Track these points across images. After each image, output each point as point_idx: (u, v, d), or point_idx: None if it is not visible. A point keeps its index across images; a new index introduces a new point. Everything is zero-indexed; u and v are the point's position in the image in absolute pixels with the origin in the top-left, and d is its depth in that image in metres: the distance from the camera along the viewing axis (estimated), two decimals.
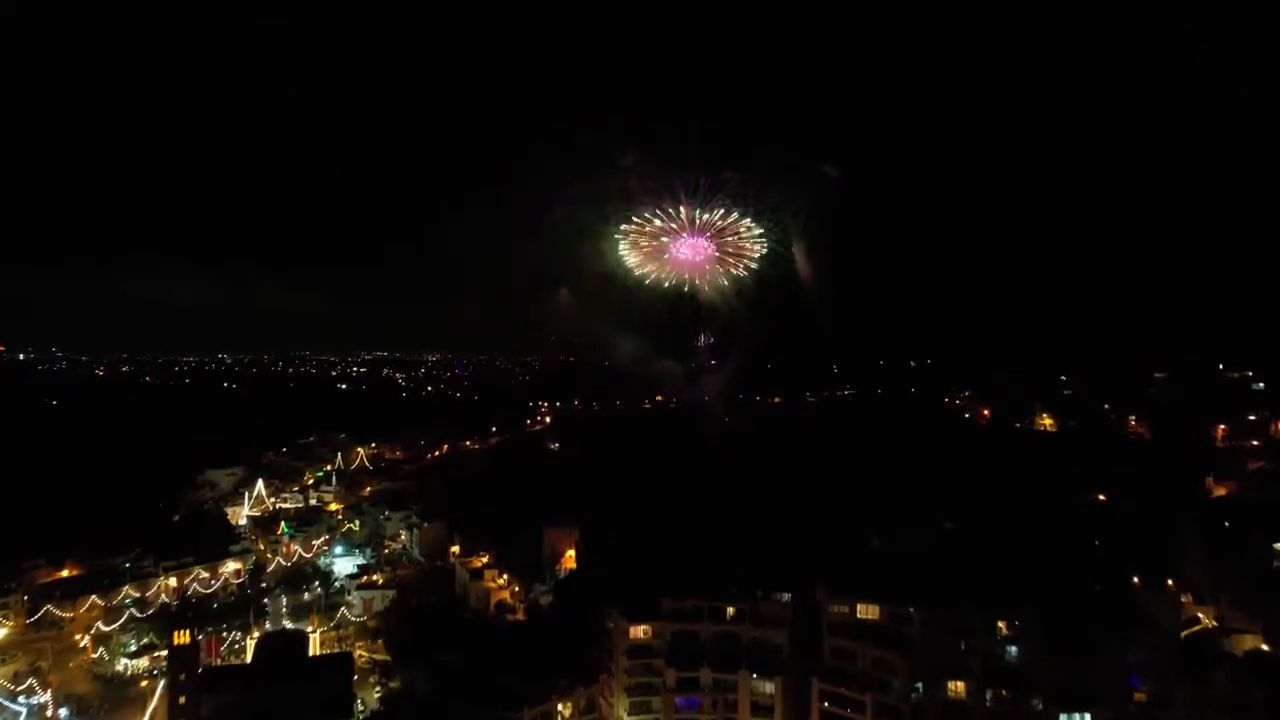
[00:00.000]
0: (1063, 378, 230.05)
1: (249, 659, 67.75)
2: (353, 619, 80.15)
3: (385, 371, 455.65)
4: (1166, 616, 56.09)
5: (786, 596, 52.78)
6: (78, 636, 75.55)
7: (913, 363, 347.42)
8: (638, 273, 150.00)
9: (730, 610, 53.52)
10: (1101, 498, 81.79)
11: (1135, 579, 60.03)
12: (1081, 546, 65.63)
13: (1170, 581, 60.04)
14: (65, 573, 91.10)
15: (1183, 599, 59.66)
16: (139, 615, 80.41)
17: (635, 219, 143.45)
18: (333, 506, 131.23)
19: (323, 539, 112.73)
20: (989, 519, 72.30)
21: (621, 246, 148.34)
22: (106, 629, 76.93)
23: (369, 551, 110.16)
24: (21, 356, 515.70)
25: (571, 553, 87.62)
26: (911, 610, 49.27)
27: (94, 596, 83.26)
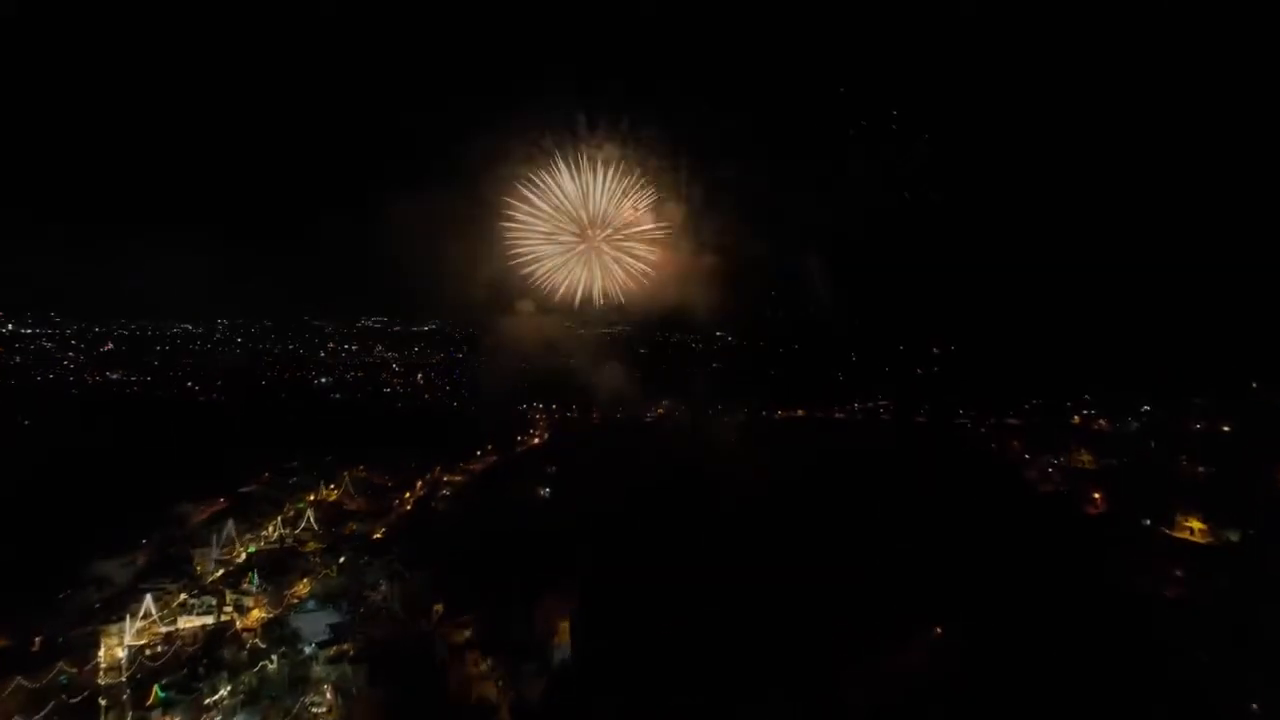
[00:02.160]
0: (1086, 396, 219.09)
1: None
2: (312, 710, 69.68)
3: (378, 350, 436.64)
4: None
5: None
6: None
7: (918, 369, 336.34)
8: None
9: None
10: (1179, 573, 71.17)
11: (1254, 705, 49.48)
12: (1173, 655, 54.88)
13: None
14: None
15: None
16: (70, 700, 70.16)
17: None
18: (310, 547, 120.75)
19: (295, 589, 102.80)
20: (1054, 612, 61.65)
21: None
22: None
23: (345, 605, 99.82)
24: (10, 327, 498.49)
25: (566, 625, 77.74)
26: None
27: (20, 678, 72.46)
